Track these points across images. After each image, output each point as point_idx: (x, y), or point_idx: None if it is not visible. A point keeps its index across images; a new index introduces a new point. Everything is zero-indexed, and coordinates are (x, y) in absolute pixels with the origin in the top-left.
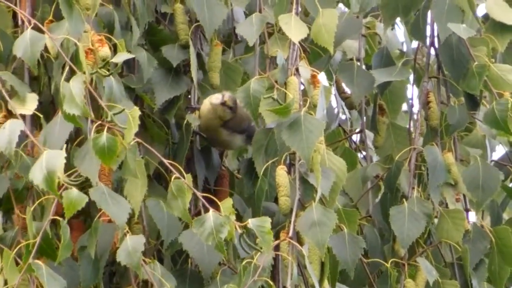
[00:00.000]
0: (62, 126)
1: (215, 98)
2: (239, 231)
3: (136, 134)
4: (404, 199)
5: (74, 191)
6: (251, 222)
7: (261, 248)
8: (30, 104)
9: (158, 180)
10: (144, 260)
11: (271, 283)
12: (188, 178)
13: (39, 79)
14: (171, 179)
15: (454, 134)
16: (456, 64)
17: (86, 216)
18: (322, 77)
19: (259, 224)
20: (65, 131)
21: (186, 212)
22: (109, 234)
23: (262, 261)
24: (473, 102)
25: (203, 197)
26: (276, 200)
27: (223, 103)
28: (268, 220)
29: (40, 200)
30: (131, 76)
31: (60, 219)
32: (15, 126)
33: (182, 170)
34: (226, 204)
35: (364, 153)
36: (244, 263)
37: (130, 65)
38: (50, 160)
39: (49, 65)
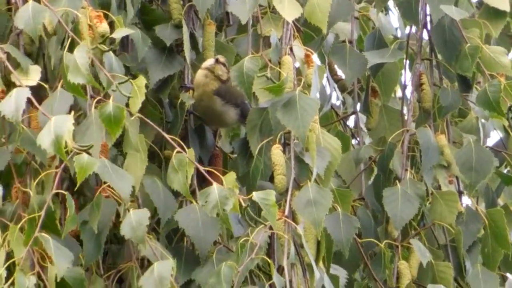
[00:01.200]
0: (61, 101)
1: (208, 61)
2: (243, 204)
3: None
4: (397, 181)
5: (85, 155)
6: (255, 195)
7: (266, 220)
8: (33, 75)
9: (151, 159)
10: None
11: (270, 261)
12: (190, 152)
13: (34, 57)
14: (172, 154)
15: (447, 116)
16: (448, 46)
17: (79, 194)
18: (315, 58)
19: (264, 197)
20: (64, 106)
21: (185, 186)
22: (109, 209)
23: (258, 239)
24: (465, 84)
25: (202, 172)
26: (271, 179)
27: (217, 60)
28: (272, 193)
29: (41, 175)
30: (125, 55)
31: (65, 192)
32: (21, 94)
33: (184, 145)
34: (230, 178)
35: (358, 138)
36: (241, 241)
37: (124, 44)
38: (57, 125)
39: (43, 43)
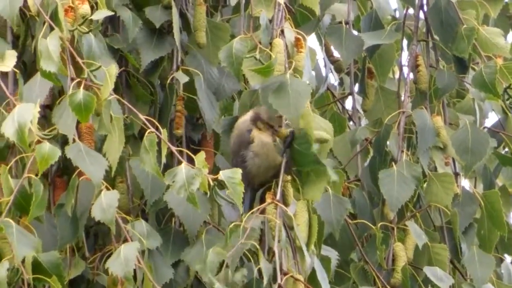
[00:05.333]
0: (41, 84)
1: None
2: (211, 183)
3: (120, 93)
4: (393, 163)
5: (47, 144)
6: (222, 174)
7: (232, 199)
8: (8, 61)
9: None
10: (126, 218)
11: (258, 247)
12: (164, 133)
13: (22, 38)
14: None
15: (443, 98)
16: (444, 28)
17: (70, 175)
18: (312, 39)
19: (230, 175)
20: (45, 89)
21: (156, 166)
22: (89, 192)
23: (250, 224)
24: (462, 66)
25: (179, 152)
26: None
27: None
28: (239, 171)
29: (18, 157)
30: (116, 36)
31: (33, 176)
32: None
33: (159, 126)
34: (199, 157)
35: (354, 120)
36: (231, 225)
37: (115, 24)
38: (21, 114)
39: (32, 24)
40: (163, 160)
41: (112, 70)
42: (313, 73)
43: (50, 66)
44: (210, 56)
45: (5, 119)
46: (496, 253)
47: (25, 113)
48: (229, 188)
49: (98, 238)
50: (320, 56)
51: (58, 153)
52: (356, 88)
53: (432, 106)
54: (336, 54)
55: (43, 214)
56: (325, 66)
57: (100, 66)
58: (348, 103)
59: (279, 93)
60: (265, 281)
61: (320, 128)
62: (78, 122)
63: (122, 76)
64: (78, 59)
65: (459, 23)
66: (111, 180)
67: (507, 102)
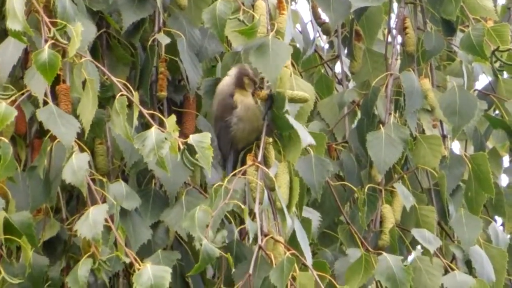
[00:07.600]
0: (15, 45)
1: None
2: (181, 147)
3: (99, 54)
4: (380, 125)
5: (3, 105)
6: (191, 138)
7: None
8: None
9: None
10: (102, 180)
11: (244, 207)
12: (136, 95)
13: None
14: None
15: (431, 60)
16: None
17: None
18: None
19: (199, 139)
20: (18, 51)
21: (126, 129)
22: (64, 154)
23: (233, 185)
24: (450, 28)
25: (150, 114)
26: None
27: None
28: (208, 135)
29: None
30: None
31: (2, 138)
32: None
33: (131, 88)
34: (170, 121)
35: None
36: (215, 185)
37: None
38: None
39: None
40: (135, 122)
41: (78, 28)
42: (301, 35)
43: (15, 25)
44: (192, 17)
45: None
46: (486, 214)
47: None
48: (198, 152)
49: (80, 200)
50: (308, 18)
51: (14, 113)
52: (346, 51)
53: (420, 69)
54: (323, 16)
55: (19, 174)
56: (313, 28)
57: (65, 25)
58: (338, 68)
59: (259, 53)
60: (251, 239)
61: (299, 89)
62: (57, 83)
63: (103, 37)
64: (46, 18)
65: None
66: (91, 142)
67: (496, 64)
